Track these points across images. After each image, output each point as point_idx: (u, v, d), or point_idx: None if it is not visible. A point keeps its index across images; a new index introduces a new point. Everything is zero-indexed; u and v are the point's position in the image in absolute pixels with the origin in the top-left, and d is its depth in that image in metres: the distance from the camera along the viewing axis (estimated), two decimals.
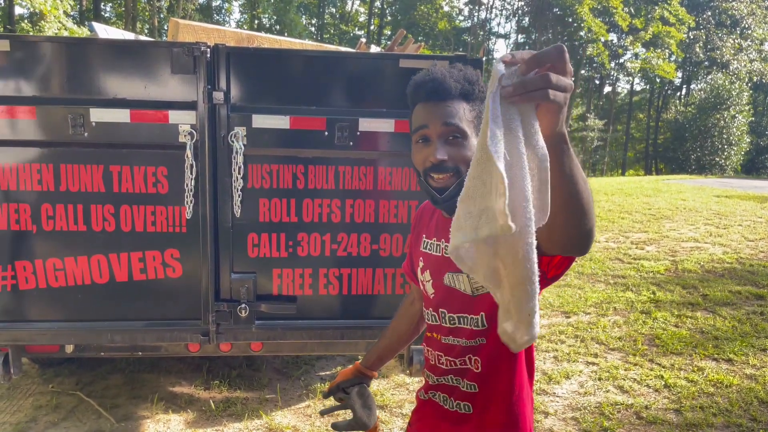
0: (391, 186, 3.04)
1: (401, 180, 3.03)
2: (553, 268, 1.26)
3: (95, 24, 4.31)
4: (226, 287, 3.03)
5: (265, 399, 3.88)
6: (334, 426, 1.72)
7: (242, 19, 34.75)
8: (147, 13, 21.09)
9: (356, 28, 40.02)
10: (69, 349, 3.20)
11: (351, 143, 2.94)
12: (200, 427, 3.52)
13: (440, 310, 1.51)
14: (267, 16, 31.80)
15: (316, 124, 2.91)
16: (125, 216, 2.92)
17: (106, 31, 4.18)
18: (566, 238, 1.09)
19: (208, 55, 2.78)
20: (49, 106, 2.76)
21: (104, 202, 2.89)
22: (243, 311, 3.02)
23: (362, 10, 41.15)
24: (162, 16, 24.24)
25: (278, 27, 29.96)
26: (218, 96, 2.82)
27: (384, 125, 2.94)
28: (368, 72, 2.97)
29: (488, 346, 1.43)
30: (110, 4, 28.89)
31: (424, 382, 1.65)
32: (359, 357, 4.55)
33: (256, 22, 31.20)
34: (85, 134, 2.78)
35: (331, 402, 1.83)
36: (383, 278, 3.15)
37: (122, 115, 2.79)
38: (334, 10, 38.64)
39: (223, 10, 32.87)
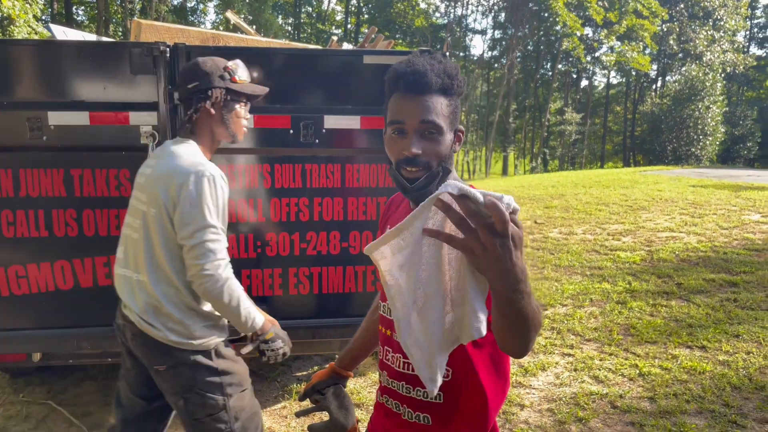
0: (359, 183, 3.03)
1: (369, 177, 3.02)
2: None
3: (53, 26, 4.23)
4: None
5: None
6: (310, 428, 1.69)
7: (218, 20, 34.50)
8: (119, 16, 20.83)
9: (333, 27, 39.93)
10: (36, 357, 3.13)
11: (317, 141, 2.92)
12: None
13: None
14: (242, 16, 31.57)
15: (280, 123, 2.89)
16: (88, 220, 2.87)
17: (64, 33, 4.10)
18: (503, 346, 1.17)
19: (168, 55, 2.74)
20: (5, 111, 2.70)
21: (66, 206, 2.85)
22: None
23: (339, 8, 41.10)
24: (135, 18, 23.99)
25: (254, 27, 29.79)
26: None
27: (350, 122, 2.93)
28: (333, 69, 2.95)
29: (455, 356, 1.36)
30: (82, 8, 28.53)
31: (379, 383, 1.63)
32: (336, 355, 4.53)
33: (232, 22, 31.00)
34: (44, 138, 2.73)
35: (307, 404, 1.80)
36: (354, 276, 3.13)
37: (81, 118, 2.75)
38: (310, 9, 38.49)
39: (198, 11, 32.61)
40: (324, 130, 2.91)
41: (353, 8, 39.91)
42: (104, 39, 5.07)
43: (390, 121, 1.40)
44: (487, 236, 0.90)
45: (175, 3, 29.03)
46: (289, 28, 35.17)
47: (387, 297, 1.17)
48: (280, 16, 32.98)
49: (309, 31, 37.23)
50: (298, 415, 1.82)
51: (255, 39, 4.35)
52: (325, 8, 39.68)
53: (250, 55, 2.91)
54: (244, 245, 3.01)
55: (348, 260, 3.11)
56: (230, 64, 2.15)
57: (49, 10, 21.52)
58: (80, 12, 27.41)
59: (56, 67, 2.72)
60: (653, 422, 3.53)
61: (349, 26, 39.23)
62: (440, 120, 1.35)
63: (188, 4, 31.05)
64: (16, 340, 2.93)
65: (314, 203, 3.02)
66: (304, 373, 4.34)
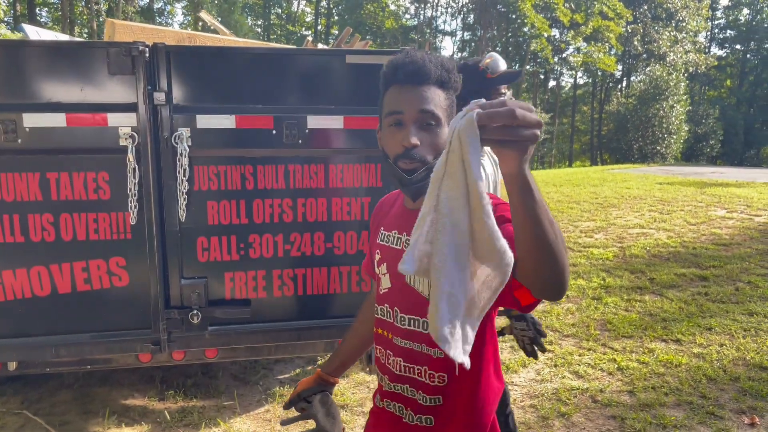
0: (343, 183, 3.01)
1: (353, 177, 3.00)
2: (525, 299, 1.23)
3: (25, 26, 4.12)
4: (176, 294, 2.94)
5: (223, 406, 3.79)
6: None
7: (186, 21, 34.02)
8: (85, 17, 20.38)
9: (303, 28, 39.73)
10: (12, 366, 3.04)
11: (300, 141, 2.89)
12: None
13: (394, 308, 1.46)
14: (212, 16, 31.22)
15: (263, 123, 2.86)
16: (65, 224, 2.80)
17: (37, 34, 4.00)
18: (537, 281, 1.07)
19: (147, 55, 2.69)
20: None
21: (42, 211, 2.77)
22: (195, 317, 2.94)
23: (308, 10, 40.92)
24: (101, 19, 23.48)
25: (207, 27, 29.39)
26: (159, 97, 2.73)
27: (333, 122, 2.91)
28: (315, 69, 2.94)
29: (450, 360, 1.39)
30: (45, 9, 27.87)
31: (377, 385, 1.62)
32: (319, 358, 4.51)
33: (200, 23, 30.59)
34: (19, 141, 2.65)
35: (293, 413, 1.75)
36: (338, 277, 3.12)
37: (58, 120, 2.67)
38: (280, 10, 38.24)
39: (166, 12, 32.10)
40: (307, 130, 2.89)
41: (323, 10, 39.77)
42: (77, 39, 4.96)
43: (387, 112, 1.37)
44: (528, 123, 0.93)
45: (142, 4, 28.55)
46: (259, 30, 34.87)
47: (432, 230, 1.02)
48: (249, 18, 32.65)
49: (279, 32, 36.98)
50: (283, 424, 1.78)
51: (230, 39, 4.30)
52: (295, 9, 39.46)
53: (230, 55, 2.88)
54: (227, 247, 2.97)
55: (332, 261, 3.09)
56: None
57: (12, 11, 20.94)
58: (43, 13, 26.77)
59: (31, 67, 2.64)
60: (634, 415, 3.59)
61: (319, 27, 39.07)
62: (438, 111, 1.34)
63: (155, 5, 30.56)
64: None
65: (298, 204, 2.99)
66: (287, 375, 4.30)
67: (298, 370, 4.38)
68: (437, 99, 1.34)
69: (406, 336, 1.45)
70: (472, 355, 1.27)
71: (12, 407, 3.76)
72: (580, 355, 4.55)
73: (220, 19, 27.89)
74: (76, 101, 2.69)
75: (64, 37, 4.73)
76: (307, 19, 41.06)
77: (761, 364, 4.22)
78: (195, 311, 2.93)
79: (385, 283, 1.50)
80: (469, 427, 1.43)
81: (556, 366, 4.36)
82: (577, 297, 5.99)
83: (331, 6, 39.62)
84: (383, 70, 1.40)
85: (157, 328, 2.91)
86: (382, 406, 1.54)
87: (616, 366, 4.32)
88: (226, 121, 2.82)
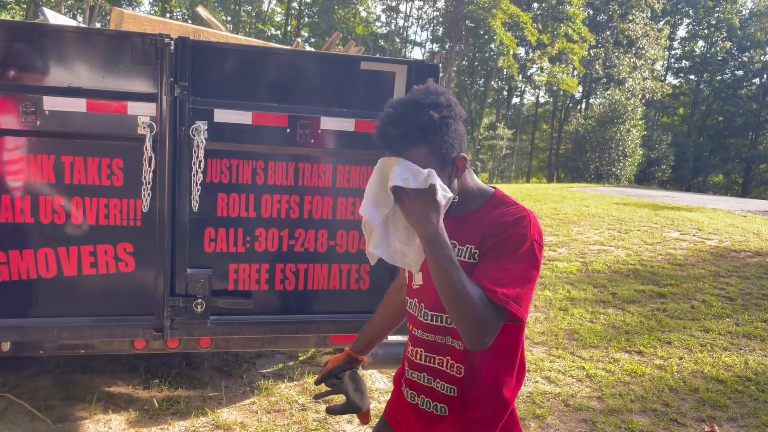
0: (350, 183, 3.13)
1: (360, 178, 3.13)
2: None
3: (46, 10, 4.09)
4: (181, 282, 3.00)
5: (209, 396, 3.84)
6: (329, 410, 1.79)
7: (152, 11, 33.39)
8: (53, 1, 19.85)
9: (273, 28, 39.52)
10: (5, 347, 3.03)
11: (312, 141, 3.00)
12: (144, 426, 3.44)
13: (421, 303, 1.60)
14: (180, 10, 30.81)
15: (278, 121, 2.96)
16: (76, 208, 2.83)
17: (55, 18, 3.98)
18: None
19: (172, 48, 2.76)
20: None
21: (54, 193, 2.79)
22: (199, 306, 3.00)
23: (279, 9, 40.72)
24: (69, 3, 22.88)
25: (191, 21, 29.06)
26: (180, 89, 2.80)
27: (344, 124, 3.03)
28: (330, 72, 3.06)
29: (470, 352, 1.51)
30: None
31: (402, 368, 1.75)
32: (300, 354, 4.60)
33: (168, 15, 30.16)
34: (38, 123, 2.68)
35: (324, 388, 1.88)
36: (338, 274, 3.23)
37: (78, 104, 2.71)
38: (250, 7, 37.97)
39: (134, 2, 31.45)
40: (320, 131, 3.00)
41: (294, 11, 39.68)
42: (83, 26, 4.93)
43: None
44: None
45: None
46: (230, 26, 34.53)
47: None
48: (221, 12, 32.32)
49: (248, 30, 36.70)
50: (317, 398, 1.93)
51: (232, 36, 4.37)
52: (265, 8, 39.25)
53: (251, 54, 2.97)
54: (234, 239, 3.05)
55: (334, 258, 3.19)
56: None
57: None
58: None
59: (56, 52, 2.67)
60: (603, 419, 3.82)
61: (289, 28, 38.95)
62: (421, 169, 1.43)
63: None
64: None
65: (305, 201, 3.09)
66: (269, 370, 4.37)
67: (280, 365, 4.46)
68: (420, 159, 1.41)
69: (428, 329, 1.59)
70: (496, 351, 1.45)
71: None
72: (550, 362, 4.76)
73: (188, 12, 27.51)
74: (97, 88, 2.74)
75: (72, 23, 4.69)
76: (277, 19, 40.88)
77: (718, 377, 4.52)
78: (199, 300, 2.99)
79: (418, 280, 1.63)
80: (480, 419, 1.57)
81: (529, 371, 4.56)
82: (544, 307, 6.24)
83: (303, 8, 39.58)
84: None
85: (160, 314, 2.97)
86: (403, 389, 1.69)
87: (585, 373, 4.55)
88: (242, 117, 2.91)
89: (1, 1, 21.97)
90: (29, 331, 2.89)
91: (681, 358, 4.91)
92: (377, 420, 1.83)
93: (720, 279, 7.30)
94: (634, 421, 3.81)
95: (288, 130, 2.97)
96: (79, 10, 22.92)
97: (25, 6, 21.11)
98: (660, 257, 8.60)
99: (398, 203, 1.41)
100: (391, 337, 2.58)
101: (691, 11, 45.30)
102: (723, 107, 43.58)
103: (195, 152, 2.86)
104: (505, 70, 36.84)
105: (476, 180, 1.58)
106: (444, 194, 1.39)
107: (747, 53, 42.38)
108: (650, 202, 16.40)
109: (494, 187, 1.60)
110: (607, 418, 3.83)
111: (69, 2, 23.47)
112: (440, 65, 3.29)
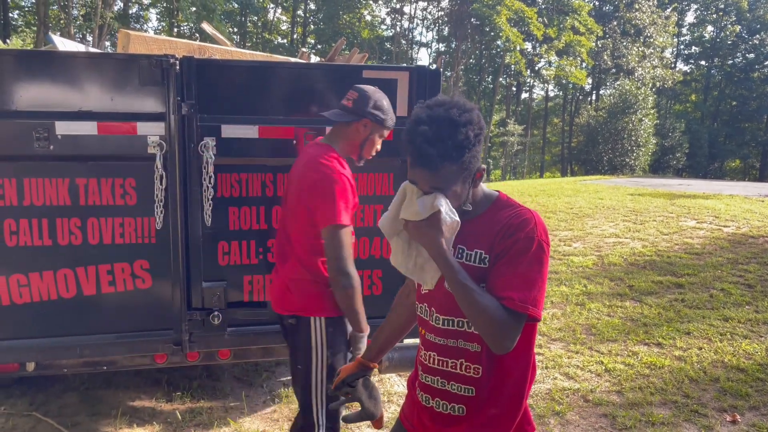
0: (358, 191, 3.16)
1: (367, 186, 3.17)
2: None
3: (54, 36, 4.20)
4: (197, 296, 3.06)
5: (230, 407, 3.90)
6: (344, 419, 1.83)
7: (160, 27, 33.77)
8: (62, 22, 20.13)
9: (279, 37, 39.78)
10: (30, 367, 3.11)
11: None
12: None
13: (432, 308, 1.64)
14: (187, 24, 31.09)
15: (284, 133, 3.01)
16: (92, 229, 2.90)
17: (63, 44, 4.08)
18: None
19: (178, 67, 2.82)
20: (13, 120, 2.71)
21: (70, 215, 2.87)
22: (216, 319, 3.06)
23: (284, 18, 40.98)
24: (78, 24, 23.22)
25: (198, 35, 29.34)
26: (187, 107, 2.86)
27: None
28: (333, 83, 3.10)
29: (486, 353, 1.56)
30: (17, 12, 27.43)
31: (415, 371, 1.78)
32: None
33: (176, 30, 30.45)
34: (51, 147, 2.75)
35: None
36: None
37: (89, 128, 2.78)
38: (256, 18, 38.24)
39: (141, 18, 31.85)
40: None
41: (299, 19, 39.92)
42: (92, 50, 5.03)
43: (408, 170, 1.54)
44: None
45: (116, 9, 28.28)
46: (236, 38, 34.82)
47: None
48: (228, 25, 32.60)
49: (255, 40, 36.98)
50: (345, 420, 1.95)
51: (237, 51, 4.43)
52: (271, 18, 39.52)
53: (254, 69, 3.02)
54: (246, 251, 3.10)
55: None
56: None
57: None
58: (15, 15, 26.37)
59: (65, 77, 2.75)
60: (624, 413, 3.81)
61: (295, 36, 39.19)
62: (448, 185, 1.51)
63: (131, 11, 30.31)
64: (17, 349, 2.92)
65: None
66: (289, 378, 4.41)
67: None
68: (448, 175, 1.48)
69: (440, 333, 1.62)
70: (496, 357, 1.49)
71: (21, 409, 3.80)
72: (568, 358, 4.76)
73: (198, 25, 27.74)
74: (107, 110, 2.81)
75: (81, 48, 4.80)
76: (283, 27, 41.16)
77: (738, 366, 4.50)
78: (216, 312, 3.05)
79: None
80: (497, 417, 1.61)
81: (547, 368, 4.57)
82: (561, 303, 6.23)
83: (308, 15, 39.80)
84: (403, 135, 1.52)
85: (179, 328, 3.03)
86: (417, 393, 1.72)
87: (604, 368, 4.55)
88: (249, 131, 2.96)
89: (12, 25, 22.37)
90: (53, 350, 2.97)
91: (701, 348, 4.88)
92: (392, 424, 1.87)
93: (738, 266, 7.24)
94: (655, 413, 3.80)
95: (294, 141, 3.01)
96: (89, 30, 23.30)
97: (35, 29, 21.50)
98: (677, 247, 8.54)
99: (405, 229, 1.56)
100: (407, 341, 2.61)
101: None
102: (736, 91, 43.11)
103: (205, 168, 2.92)
104: (512, 66, 36.72)
105: (481, 185, 1.63)
106: (451, 216, 1.49)
107: (758, 36, 41.87)
108: (666, 191, 16.27)
109: (497, 191, 1.65)
110: (628, 412, 3.83)
111: (78, 23, 23.84)
112: (441, 70, 3.32)
